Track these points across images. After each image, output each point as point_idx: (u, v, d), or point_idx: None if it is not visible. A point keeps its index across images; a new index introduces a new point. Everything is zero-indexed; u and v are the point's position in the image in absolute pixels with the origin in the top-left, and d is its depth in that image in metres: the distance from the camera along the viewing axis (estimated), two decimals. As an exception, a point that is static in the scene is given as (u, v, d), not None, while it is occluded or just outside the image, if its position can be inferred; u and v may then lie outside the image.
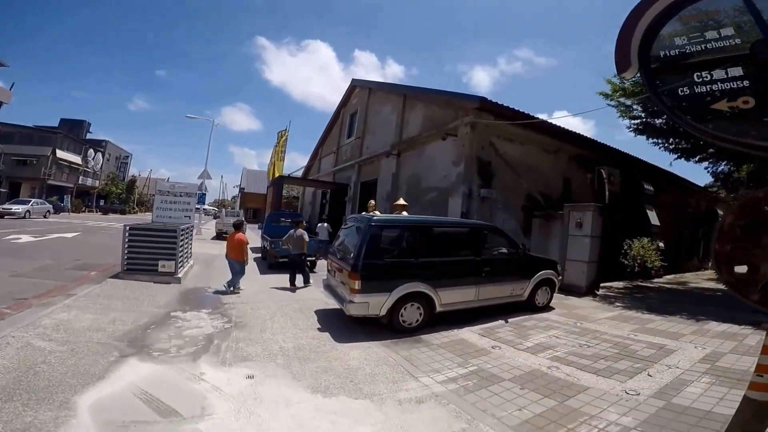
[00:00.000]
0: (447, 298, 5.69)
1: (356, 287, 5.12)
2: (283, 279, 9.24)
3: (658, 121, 11.97)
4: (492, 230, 6.76)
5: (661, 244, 12.11)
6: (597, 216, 9.16)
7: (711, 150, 11.87)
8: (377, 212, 11.08)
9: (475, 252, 6.19)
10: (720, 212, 19.62)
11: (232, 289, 7.59)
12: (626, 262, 10.83)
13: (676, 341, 5.42)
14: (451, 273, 5.79)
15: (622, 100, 11.38)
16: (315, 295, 7.72)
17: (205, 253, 13.38)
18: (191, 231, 10.10)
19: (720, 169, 13.94)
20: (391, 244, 5.55)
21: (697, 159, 12.55)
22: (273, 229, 13.06)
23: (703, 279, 13.86)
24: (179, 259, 8.41)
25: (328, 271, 6.50)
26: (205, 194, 22.57)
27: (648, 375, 4.22)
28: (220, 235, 20.24)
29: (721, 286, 12.19)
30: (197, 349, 4.54)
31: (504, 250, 6.66)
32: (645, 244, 11.47)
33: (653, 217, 12.61)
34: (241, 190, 50.25)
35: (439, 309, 5.65)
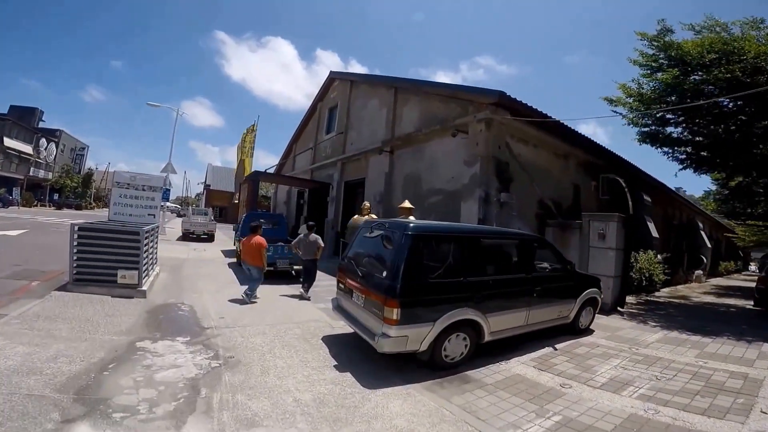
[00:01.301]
0: (497, 324, 4.68)
1: (394, 317, 3.96)
2: (271, 291, 7.90)
3: (669, 130, 11.70)
4: (540, 243, 5.88)
5: (660, 257, 11.84)
6: (620, 228, 8.53)
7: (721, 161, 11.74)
8: (373, 215, 9.97)
9: (526, 268, 5.24)
10: (700, 225, 20.13)
11: (249, 298, 6.86)
12: (633, 275, 10.37)
13: (754, 369, 4.93)
14: (501, 294, 4.78)
15: (633, 106, 10.92)
16: (313, 314, 6.48)
17: (171, 258, 11.66)
18: (156, 232, 8.50)
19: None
20: (433, 259, 4.44)
21: (705, 170, 12.43)
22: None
23: (698, 292, 13.83)
24: (143, 268, 6.85)
25: (340, 289, 5.27)
26: (169, 190, 20.42)
27: (762, 412, 3.68)
28: (187, 236, 18.26)
29: (725, 301, 12.10)
30: (178, 406, 3.22)
31: (552, 265, 5.79)
32: (650, 257, 11.11)
33: (653, 229, 12.33)
34: (207, 187, 47.38)
35: (487, 338, 4.63)
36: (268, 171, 23.38)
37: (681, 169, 13.61)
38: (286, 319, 5.98)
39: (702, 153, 11.39)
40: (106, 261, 6.52)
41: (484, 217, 8.30)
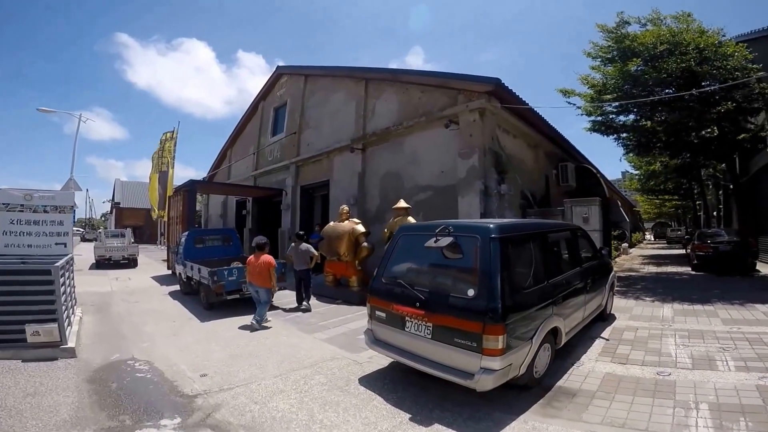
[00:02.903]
0: (568, 325, 4.07)
1: (500, 346, 2.94)
2: (230, 326, 6.27)
3: (622, 118, 12.25)
4: (582, 232, 5.35)
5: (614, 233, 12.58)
6: (600, 210, 8.82)
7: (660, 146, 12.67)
8: (354, 220, 8.75)
9: (580, 261, 4.78)
10: (618, 202, 22.31)
11: (260, 323, 6.16)
12: None
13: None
14: (571, 292, 4.17)
15: (593, 96, 11.26)
16: (322, 350, 5.07)
17: (91, 292, 9.13)
18: (72, 265, 6.30)
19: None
20: (519, 264, 3.51)
21: (649, 153, 13.39)
22: (199, 253, 9.50)
23: (636, 264, 14.71)
24: (64, 317, 4.82)
25: (379, 319, 3.97)
26: (75, 209, 16.63)
27: None
28: (102, 263, 14.92)
29: (666, 269, 12.95)
30: None
31: (587, 254, 5.30)
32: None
33: (623, 212, 13.15)
34: (116, 205, 41.02)
35: (562, 342, 3.96)
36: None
37: (625, 154, 14.58)
38: (295, 364, 4.51)
39: (649, 138, 12.14)
40: (6, 314, 4.42)
41: (485, 210, 7.63)
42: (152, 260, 18.46)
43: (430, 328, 3.38)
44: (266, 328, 6.13)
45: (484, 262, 3.21)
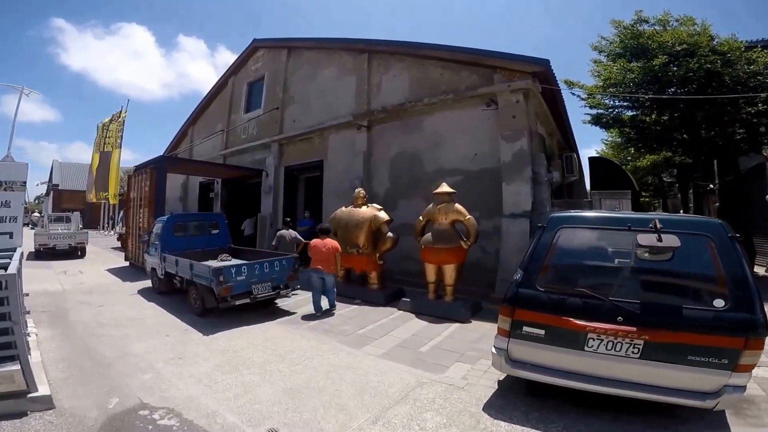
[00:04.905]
0: None
1: (756, 362, 2.64)
2: (256, 332, 5.05)
3: (629, 113, 12.25)
4: None
5: None
6: (631, 203, 8.45)
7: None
8: (375, 206, 7.62)
9: None
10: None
11: (333, 309, 6.34)
12: None
13: None
14: None
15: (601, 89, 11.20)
16: (395, 372, 4.02)
17: (38, 292, 7.29)
18: (21, 267, 4.58)
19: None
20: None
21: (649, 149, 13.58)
22: (179, 243, 7.86)
23: None
24: (26, 350, 3.29)
25: (535, 337, 3.08)
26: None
27: None
28: (41, 253, 12.33)
29: None
30: None
31: None
32: None
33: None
34: (54, 187, 35.94)
35: None
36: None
37: (625, 148, 14.71)
38: (379, 398, 3.40)
39: (659, 133, 12.19)
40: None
41: (535, 199, 6.92)
42: (100, 248, 15.85)
43: (640, 347, 2.77)
44: (332, 314, 6.17)
45: (730, 266, 2.71)
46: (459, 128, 8.17)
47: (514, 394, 3.41)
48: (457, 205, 6.28)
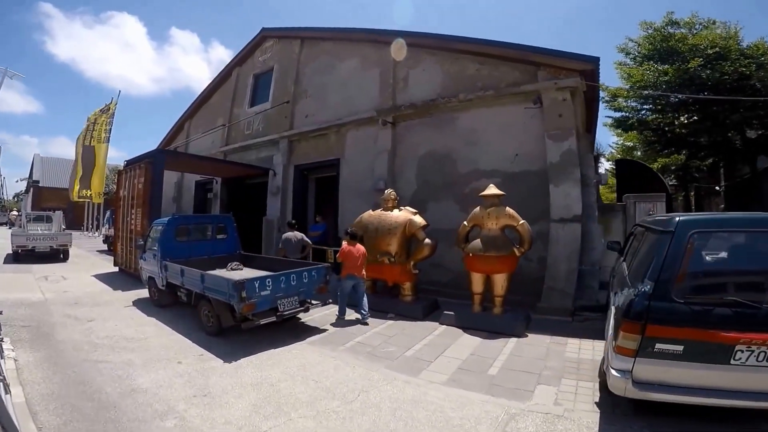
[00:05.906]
0: None
1: None
2: (286, 355, 4.24)
3: (651, 116, 12.02)
4: None
5: None
6: (664, 206, 8.07)
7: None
8: (409, 209, 6.87)
9: None
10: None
11: (365, 318, 5.83)
12: None
13: None
14: None
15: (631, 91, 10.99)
16: (453, 393, 3.22)
17: (16, 302, 6.33)
18: None
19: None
20: None
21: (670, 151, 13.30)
22: (183, 249, 6.94)
23: None
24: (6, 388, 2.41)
25: (670, 355, 2.71)
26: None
27: None
28: (19, 255, 11.15)
29: None
30: None
31: None
32: None
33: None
34: (34, 184, 33.96)
35: None
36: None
37: (645, 150, 14.41)
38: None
39: (683, 136, 11.90)
40: None
41: (584, 202, 6.40)
42: (84, 251, 14.65)
43: None
44: (366, 322, 5.81)
45: None
46: (497, 127, 7.51)
47: (623, 417, 3.07)
48: (509, 209, 5.59)
